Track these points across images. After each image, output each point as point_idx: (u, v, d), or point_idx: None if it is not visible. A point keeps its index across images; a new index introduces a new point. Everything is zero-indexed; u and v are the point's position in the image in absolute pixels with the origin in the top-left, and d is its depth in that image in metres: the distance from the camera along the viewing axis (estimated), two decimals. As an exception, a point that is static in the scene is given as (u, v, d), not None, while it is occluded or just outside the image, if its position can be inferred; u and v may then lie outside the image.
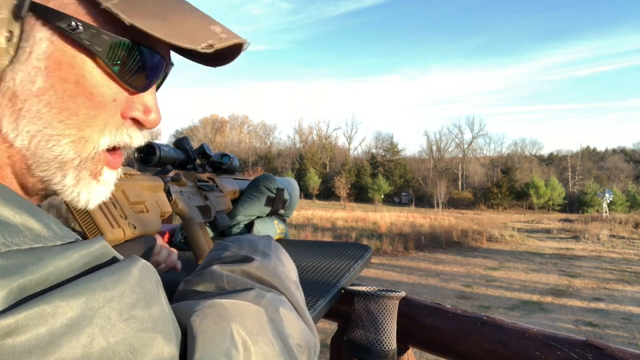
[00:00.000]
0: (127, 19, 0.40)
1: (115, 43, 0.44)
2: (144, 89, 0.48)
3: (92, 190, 0.47)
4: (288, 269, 0.63)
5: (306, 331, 0.53)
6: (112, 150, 0.49)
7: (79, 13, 0.42)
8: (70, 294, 0.30)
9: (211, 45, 0.44)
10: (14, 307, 0.28)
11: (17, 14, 0.39)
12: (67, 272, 0.32)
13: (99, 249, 0.36)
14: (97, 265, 0.35)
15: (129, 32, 0.43)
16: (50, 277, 0.31)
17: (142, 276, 0.36)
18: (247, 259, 0.58)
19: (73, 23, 0.41)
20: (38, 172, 0.44)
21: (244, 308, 0.44)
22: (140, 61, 0.46)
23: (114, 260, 0.37)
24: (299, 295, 0.60)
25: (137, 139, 0.49)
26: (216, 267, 0.56)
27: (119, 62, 0.45)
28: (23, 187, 0.45)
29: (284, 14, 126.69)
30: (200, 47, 0.44)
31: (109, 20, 0.42)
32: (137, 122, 0.49)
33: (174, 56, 0.54)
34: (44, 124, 0.42)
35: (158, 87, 0.54)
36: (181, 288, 0.55)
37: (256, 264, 0.57)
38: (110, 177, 0.49)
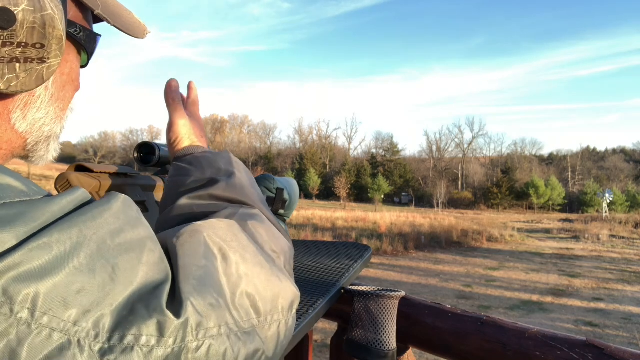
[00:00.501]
0: (112, 22, 0.51)
1: (97, 39, 0.54)
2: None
3: (56, 149, 0.54)
4: (251, 184, 0.64)
5: (279, 236, 0.57)
6: None
7: (77, 18, 0.50)
8: (66, 226, 0.35)
9: (148, 33, 0.59)
10: (21, 244, 0.33)
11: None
12: (60, 214, 0.37)
13: (82, 194, 0.40)
14: (82, 204, 0.40)
15: (90, 24, 0.53)
16: (47, 221, 0.35)
17: (123, 205, 0.41)
18: (213, 182, 0.59)
19: (77, 28, 0.50)
20: (30, 147, 0.50)
21: (216, 223, 0.48)
22: (96, 47, 0.56)
23: (93, 200, 0.41)
24: (265, 207, 0.63)
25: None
26: (184, 200, 0.57)
27: (90, 52, 0.54)
28: (4, 158, 0.49)
29: (284, 14, 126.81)
30: (144, 35, 0.58)
31: (87, 19, 0.52)
32: None
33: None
34: (46, 111, 0.49)
35: None
36: (156, 228, 0.57)
37: (222, 185, 0.58)
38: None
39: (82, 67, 0.55)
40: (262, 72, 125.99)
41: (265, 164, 67.70)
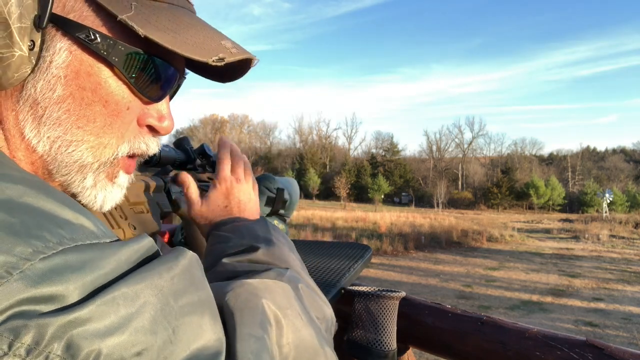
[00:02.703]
0: (142, 31, 0.42)
1: (131, 53, 0.46)
2: (158, 99, 0.50)
3: (107, 193, 0.50)
4: (290, 250, 0.66)
5: (321, 303, 0.58)
6: (131, 156, 0.51)
7: (97, 25, 0.44)
8: (133, 282, 0.35)
9: (222, 59, 0.46)
10: (87, 298, 0.32)
11: (38, 25, 0.41)
12: (126, 265, 0.36)
13: (147, 243, 0.40)
14: (148, 256, 0.39)
15: (144, 45, 0.46)
16: (114, 271, 0.35)
17: (189, 264, 0.40)
18: (252, 248, 0.61)
19: (91, 34, 0.43)
20: (59, 177, 0.46)
21: (272, 285, 0.48)
22: (154, 72, 0.48)
23: (159, 252, 0.41)
24: (306, 273, 0.64)
25: (153, 146, 0.52)
26: (225, 260, 0.60)
27: (134, 72, 0.47)
28: None
29: (284, 14, 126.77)
30: (212, 60, 0.45)
31: (125, 32, 0.44)
32: (152, 129, 0.51)
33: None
34: (63, 130, 0.45)
35: (172, 97, 0.56)
36: None
37: (262, 252, 0.60)
38: (124, 181, 0.52)
39: (149, 98, 0.48)
40: (262, 72, 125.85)
41: (265, 164, 67.66)
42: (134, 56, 0.46)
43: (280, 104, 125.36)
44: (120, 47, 0.45)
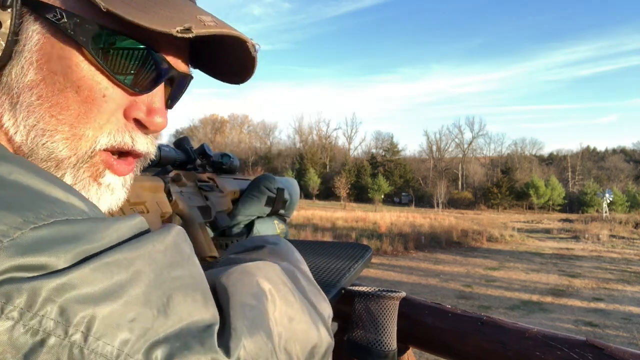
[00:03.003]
0: (103, 4, 0.39)
1: (100, 33, 0.42)
2: (143, 89, 0.47)
3: (92, 194, 0.47)
4: (297, 255, 0.66)
5: (320, 298, 0.57)
6: (122, 155, 0.49)
7: (65, 5, 0.42)
8: (127, 251, 0.34)
9: (188, 29, 0.41)
10: (81, 262, 0.32)
11: (2, 3, 0.40)
12: (118, 240, 0.36)
13: (140, 221, 0.40)
14: (140, 232, 0.39)
15: (119, 25, 0.42)
16: (107, 244, 0.35)
17: (179, 240, 0.40)
18: (259, 247, 0.62)
19: (59, 13, 0.41)
20: None
21: (263, 265, 0.48)
22: (132, 56, 0.45)
23: (149, 230, 0.41)
24: (309, 272, 0.63)
25: (141, 142, 0.48)
26: (232, 255, 0.61)
27: (106, 54, 0.43)
28: None
29: (284, 14, 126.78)
30: (176, 30, 0.41)
31: (95, 10, 0.40)
32: (142, 126, 0.48)
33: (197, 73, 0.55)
34: (37, 118, 0.43)
35: (174, 101, 0.54)
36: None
37: (267, 249, 0.61)
38: (114, 182, 0.49)
39: (130, 87, 0.45)
40: (262, 72, 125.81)
41: (265, 164, 67.65)
42: (104, 36, 0.43)
43: (280, 104, 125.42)
44: (87, 25, 0.42)
